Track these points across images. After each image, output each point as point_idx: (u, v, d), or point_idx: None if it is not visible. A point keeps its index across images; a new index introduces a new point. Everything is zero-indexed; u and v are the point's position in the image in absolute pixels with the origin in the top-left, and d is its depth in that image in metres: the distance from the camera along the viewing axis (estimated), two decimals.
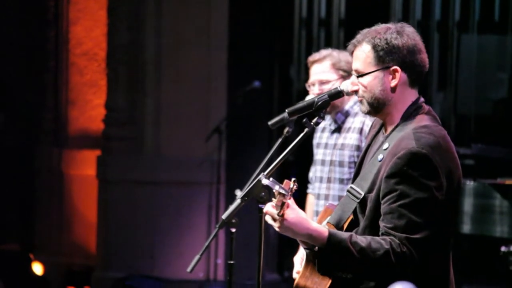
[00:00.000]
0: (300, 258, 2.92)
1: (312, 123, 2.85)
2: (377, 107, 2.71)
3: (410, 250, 2.52)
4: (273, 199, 2.60)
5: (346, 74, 3.93)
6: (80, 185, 7.65)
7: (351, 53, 2.77)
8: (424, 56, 2.71)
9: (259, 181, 2.77)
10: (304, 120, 2.86)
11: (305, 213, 2.71)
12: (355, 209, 2.71)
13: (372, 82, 2.69)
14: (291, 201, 2.58)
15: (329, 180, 4.02)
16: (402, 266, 2.53)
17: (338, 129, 4.03)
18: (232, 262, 4.00)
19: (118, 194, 7.05)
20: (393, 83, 2.67)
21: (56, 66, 7.86)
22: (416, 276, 2.58)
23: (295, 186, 2.54)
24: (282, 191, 2.53)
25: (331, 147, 4.04)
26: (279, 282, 6.98)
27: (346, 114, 4.01)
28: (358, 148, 3.91)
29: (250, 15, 7.26)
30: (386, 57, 2.66)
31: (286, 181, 2.55)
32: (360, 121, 3.93)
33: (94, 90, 7.71)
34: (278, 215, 2.56)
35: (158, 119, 7.07)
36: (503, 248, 5.18)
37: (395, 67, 2.66)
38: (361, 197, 2.67)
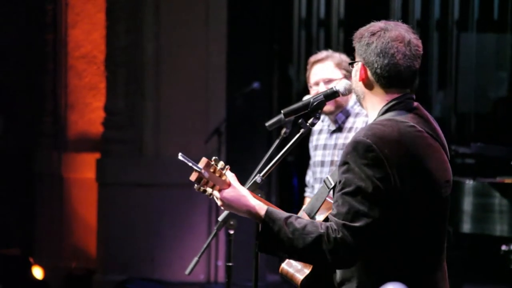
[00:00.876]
0: None
1: (308, 124, 2.85)
2: (358, 98, 2.78)
3: (346, 236, 2.52)
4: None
5: (348, 74, 3.92)
6: (79, 188, 7.64)
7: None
8: (396, 62, 2.68)
9: (255, 182, 2.78)
10: (300, 120, 2.87)
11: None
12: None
13: (354, 72, 2.78)
14: (233, 179, 2.69)
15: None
16: (334, 253, 2.52)
17: (338, 129, 4.01)
18: (230, 264, 3.99)
19: (118, 197, 7.05)
20: (359, 76, 2.74)
21: (55, 70, 7.86)
22: (359, 269, 2.58)
23: (219, 165, 2.68)
24: (195, 167, 2.68)
25: (331, 147, 4.02)
26: (280, 283, 6.96)
27: (347, 114, 4.00)
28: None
29: (248, 16, 7.25)
30: (358, 52, 2.74)
31: (203, 158, 2.70)
32: (362, 121, 3.92)
33: (93, 93, 7.70)
34: (202, 190, 2.70)
35: (158, 121, 7.07)
36: (503, 247, 5.18)
37: (360, 63, 2.73)
38: (332, 186, 2.72)
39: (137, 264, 6.97)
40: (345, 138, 3.97)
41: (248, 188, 2.77)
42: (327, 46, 7.31)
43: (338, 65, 3.98)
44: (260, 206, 2.63)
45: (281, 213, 2.62)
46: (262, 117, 6.73)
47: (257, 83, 6.87)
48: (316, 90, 3.99)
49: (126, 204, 7.03)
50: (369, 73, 2.70)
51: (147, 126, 7.08)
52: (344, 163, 2.59)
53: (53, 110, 7.88)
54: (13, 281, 7.13)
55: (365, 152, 2.56)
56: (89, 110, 7.72)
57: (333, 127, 4.04)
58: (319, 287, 2.71)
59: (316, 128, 4.15)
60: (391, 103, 2.70)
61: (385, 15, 6.93)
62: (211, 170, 2.69)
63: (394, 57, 2.67)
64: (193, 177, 2.71)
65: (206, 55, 7.07)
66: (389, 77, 2.69)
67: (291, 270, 2.73)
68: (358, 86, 2.74)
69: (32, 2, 8.06)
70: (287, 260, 2.76)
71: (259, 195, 2.75)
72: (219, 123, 6.96)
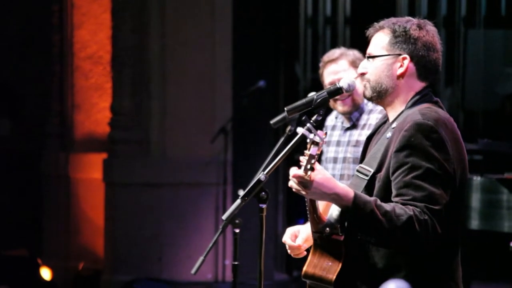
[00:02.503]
0: (292, 230, 2.89)
1: (311, 121, 2.83)
2: (379, 92, 2.72)
3: (432, 219, 2.49)
4: (305, 151, 2.54)
5: None
6: (86, 188, 7.65)
7: (370, 38, 2.79)
8: (438, 56, 2.72)
9: (259, 180, 2.75)
10: (303, 118, 2.84)
11: None
12: (362, 191, 2.68)
13: (380, 66, 2.71)
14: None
15: (342, 177, 3.99)
16: (425, 234, 2.49)
17: (353, 126, 4.00)
18: (236, 263, 3.98)
19: (124, 197, 7.05)
20: (400, 71, 2.69)
21: (61, 70, 7.87)
22: (431, 251, 2.56)
23: (325, 139, 2.51)
24: (317, 139, 2.49)
25: (344, 144, 4.01)
26: (288, 282, 6.96)
27: (361, 111, 3.98)
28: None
29: (254, 14, 7.24)
30: (400, 44, 2.68)
31: (319, 131, 2.53)
32: (376, 118, 3.90)
33: (99, 94, 7.71)
34: (310, 168, 2.50)
35: (164, 121, 7.06)
36: None
37: (405, 55, 2.68)
38: (371, 174, 2.65)
39: (144, 264, 6.97)
40: (359, 135, 3.95)
41: (252, 187, 2.74)
42: (334, 44, 7.29)
43: (353, 64, 3.95)
44: (348, 189, 2.56)
45: (368, 196, 2.57)
46: (268, 115, 6.69)
47: (263, 82, 6.86)
48: None
49: (133, 204, 7.03)
50: (413, 67, 2.68)
51: (154, 126, 7.08)
52: (405, 146, 2.55)
53: (59, 110, 7.89)
54: (21, 282, 7.15)
55: (429, 133, 2.54)
56: (95, 111, 7.73)
57: (347, 124, 4.02)
58: (351, 282, 2.65)
59: (329, 124, 4.14)
60: (420, 94, 2.69)
61: (391, 12, 6.90)
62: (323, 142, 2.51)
63: (438, 51, 2.70)
64: (319, 150, 2.51)
65: (212, 54, 7.06)
66: (432, 70, 2.70)
67: (318, 271, 2.67)
68: (392, 80, 2.69)
69: (38, 3, 8.07)
70: (307, 263, 2.71)
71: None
72: (225, 122, 6.95)
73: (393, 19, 2.75)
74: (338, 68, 3.97)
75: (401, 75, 2.69)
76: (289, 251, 2.91)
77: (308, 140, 2.54)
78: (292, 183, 2.57)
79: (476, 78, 7.20)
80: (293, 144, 2.80)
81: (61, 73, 7.85)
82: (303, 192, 2.56)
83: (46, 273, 7.43)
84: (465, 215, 5.29)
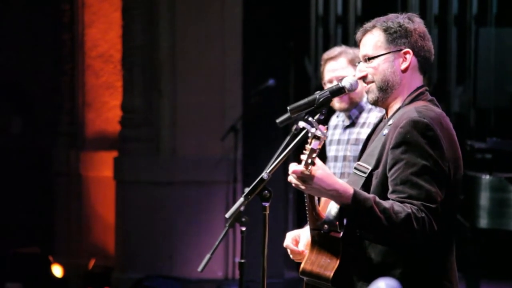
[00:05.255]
0: (293, 234, 2.90)
1: (314, 120, 2.83)
2: (386, 90, 2.71)
3: (429, 217, 2.50)
4: (306, 146, 2.54)
5: None
6: (97, 186, 7.69)
7: (360, 41, 2.79)
8: (431, 45, 2.75)
9: (262, 178, 2.75)
10: (306, 117, 2.85)
11: None
12: (360, 188, 2.69)
13: (382, 64, 2.71)
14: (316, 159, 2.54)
15: (342, 176, 4.00)
16: (423, 231, 2.50)
17: (352, 125, 4.00)
18: (243, 261, 3.99)
19: (135, 195, 7.08)
20: (404, 65, 2.70)
21: (72, 69, 7.91)
22: (427, 249, 2.57)
23: (327, 134, 2.54)
24: (318, 133, 2.48)
25: (344, 142, 4.02)
26: (298, 280, 6.95)
27: (360, 109, 3.99)
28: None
29: (265, 13, 7.24)
30: (398, 39, 2.69)
31: (321, 125, 2.52)
32: (375, 116, 3.91)
33: (110, 92, 7.74)
34: (311, 162, 2.49)
35: (174, 119, 7.08)
36: None
37: (406, 49, 2.69)
38: (368, 171, 2.66)
39: (155, 261, 7.00)
40: (358, 133, 3.96)
41: (255, 185, 2.75)
42: (345, 43, 7.24)
43: (351, 62, 3.96)
44: (347, 185, 2.56)
45: (366, 194, 2.58)
46: (278, 114, 6.69)
47: (272, 80, 6.86)
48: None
49: (144, 202, 7.06)
50: (415, 59, 2.70)
51: (164, 124, 7.10)
52: (401, 143, 2.57)
53: (70, 109, 7.94)
54: (33, 279, 7.20)
55: (425, 131, 2.55)
56: (106, 109, 7.76)
57: (347, 122, 4.03)
58: (349, 279, 2.67)
59: (331, 123, 4.15)
60: (418, 91, 2.70)
61: (402, 11, 6.86)
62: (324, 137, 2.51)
63: (430, 39, 2.74)
64: (320, 144, 2.50)
65: (222, 53, 7.07)
66: (429, 59, 2.72)
67: (315, 268, 2.68)
68: (397, 76, 2.70)
69: (49, 2, 8.11)
70: (305, 260, 2.72)
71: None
72: (235, 120, 6.97)
73: (379, 19, 2.76)
74: (337, 66, 3.98)
75: (405, 69, 2.70)
76: (291, 256, 2.92)
77: (309, 135, 2.53)
78: (292, 178, 2.58)
79: (488, 77, 7.17)
80: (298, 141, 2.80)
81: (72, 72, 7.90)
82: (302, 187, 2.56)
83: (57, 270, 7.47)
84: (473, 214, 5.29)
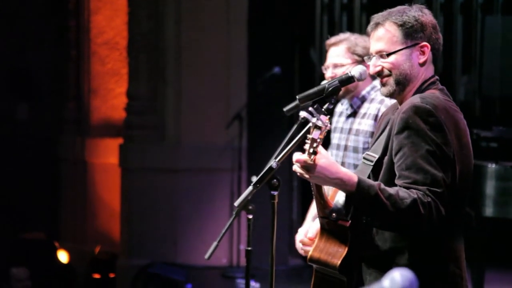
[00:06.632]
0: (305, 229, 2.91)
1: (323, 109, 2.83)
2: (403, 83, 2.72)
3: (435, 201, 2.50)
4: (307, 135, 2.55)
5: (360, 59, 3.89)
6: (103, 173, 7.71)
7: (370, 34, 2.79)
8: (441, 35, 2.77)
9: (271, 167, 2.77)
10: (315, 106, 2.85)
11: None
12: (369, 176, 2.70)
13: (400, 59, 2.71)
14: (319, 146, 2.54)
15: (342, 165, 3.99)
16: (429, 216, 2.50)
17: (353, 114, 4.00)
18: (250, 248, 4.00)
19: (140, 182, 7.10)
20: (422, 59, 2.71)
21: (78, 56, 7.91)
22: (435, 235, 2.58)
23: (329, 124, 2.53)
24: (319, 123, 2.48)
25: (346, 131, 4.01)
26: (303, 267, 6.98)
27: (363, 99, 3.97)
28: (372, 134, 3.87)
29: (270, 1, 7.22)
30: (414, 34, 2.70)
31: (322, 116, 2.52)
32: (376, 108, 3.89)
33: (115, 79, 7.75)
34: (312, 152, 2.50)
35: (179, 107, 7.09)
36: None
37: (424, 43, 2.70)
38: (375, 159, 2.67)
39: (160, 248, 7.03)
40: (359, 123, 3.95)
41: (264, 174, 2.76)
42: (350, 30, 7.22)
43: (349, 50, 3.93)
44: (351, 173, 2.56)
45: (371, 181, 2.58)
46: (283, 102, 6.68)
47: (278, 68, 6.86)
48: (327, 73, 3.98)
49: (149, 189, 7.08)
50: (431, 52, 2.72)
51: (169, 111, 7.11)
52: (404, 128, 2.57)
53: (76, 96, 7.95)
54: (39, 264, 7.22)
55: (426, 117, 2.56)
56: (111, 96, 7.77)
57: (349, 111, 4.02)
58: (356, 265, 2.68)
59: (337, 109, 4.14)
60: (430, 81, 2.72)
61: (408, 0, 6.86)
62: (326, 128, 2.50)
63: (439, 30, 2.76)
64: (322, 134, 2.49)
65: (227, 40, 7.07)
66: (440, 50, 2.75)
67: (323, 256, 2.69)
68: (415, 69, 2.71)
69: None
70: (314, 247, 2.73)
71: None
72: (240, 108, 6.97)
73: (391, 12, 2.75)
74: (335, 53, 3.95)
75: (424, 63, 2.71)
76: (302, 252, 2.91)
77: (310, 124, 2.53)
78: (296, 167, 2.58)
79: (493, 65, 7.14)
80: (305, 131, 2.81)
81: (77, 59, 7.90)
82: (306, 176, 2.57)
83: (63, 256, 7.51)
84: (479, 202, 5.29)
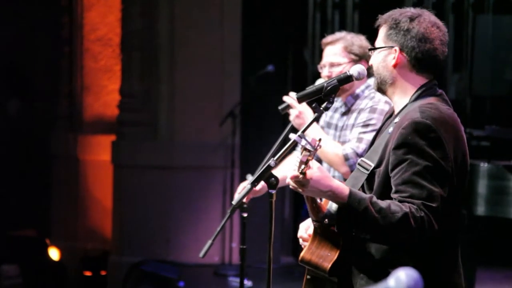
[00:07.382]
0: (306, 224, 2.93)
1: (321, 108, 2.84)
2: (380, 83, 2.79)
3: (429, 216, 2.52)
4: (297, 156, 2.57)
5: (357, 58, 3.90)
6: (95, 170, 7.69)
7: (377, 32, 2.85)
8: (433, 47, 2.73)
9: (269, 166, 2.77)
10: (313, 105, 2.86)
11: None
12: (363, 184, 2.73)
13: (378, 58, 2.78)
14: (312, 160, 2.56)
15: None
16: (421, 230, 2.52)
17: (347, 112, 4.01)
18: (244, 247, 4.01)
19: (132, 179, 7.09)
20: (392, 62, 2.75)
21: (71, 52, 7.89)
22: (431, 249, 2.60)
23: (320, 145, 2.54)
24: (308, 147, 2.52)
25: (338, 129, 4.02)
26: (294, 265, 6.99)
27: (356, 97, 3.99)
28: (352, 126, 3.90)
29: None
30: (392, 37, 2.75)
31: (312, 138, 2.55)
32: (365, 103, 3.91)
33: (108, 76, 7.73)
34: (301, 172, 2.54)
35: (172, 104, 7.08)
36: None
37: (396, 47, 2.74)
38: (371, 169, 2.69)
39: (152, 245, 7.02)
40: (348, 119, 3.96)
41: (261, 172, 2.77)
42: (342, 29, 7.24)
43: (345, 49, 3.94)
44: (343, 186, 2.59)
45: (363, 194, 2.60)
46: (276, 100, 6.70)
47: (271, 66, 6.87)
48: (323, 71, 3.99)
49: (141, 186, 7.07)
50: (405, 58, 2.73)
51: (162, 108, 7.10)
52: (402, 145, 2.59)
53: (69, 92, 7.93)
54: (30, 262, 7.20)
55: (426, 133, 2.58)
56: (104, 93, 7.75)
57: (343, 109, 4.04)
58: (346, 271, 2.70)
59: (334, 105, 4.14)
60: (423, 89, 2.73)
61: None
62: (315, 150, 2.54)
63: (433, 42, 2.71)
64: (303, 158, 2.52)
65: (221, 38, 7.06)
66: (427, 62, 2.73)
67: (314, 258, 2.71)
68: (388, 71, 2.75)
69: None
70: (306, 248, 2.75)
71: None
72: (234, 105, 6.97)
73: (393, 12, 2.80)
74: (332, 52, 3.96)
75: (394, 66, 2.75)
76: (302, 246, 2.94)
77: (300, 147, 2.57)
78: (290, 182, 2.62)
79: (484, 64, 7.17)
80: (304, 130, 2.82)
81: (70, 55, 7.88)
82: (300, 190, 2.61)
83: (54, 253, 7.49)
84: (471, 201, 5.31)
